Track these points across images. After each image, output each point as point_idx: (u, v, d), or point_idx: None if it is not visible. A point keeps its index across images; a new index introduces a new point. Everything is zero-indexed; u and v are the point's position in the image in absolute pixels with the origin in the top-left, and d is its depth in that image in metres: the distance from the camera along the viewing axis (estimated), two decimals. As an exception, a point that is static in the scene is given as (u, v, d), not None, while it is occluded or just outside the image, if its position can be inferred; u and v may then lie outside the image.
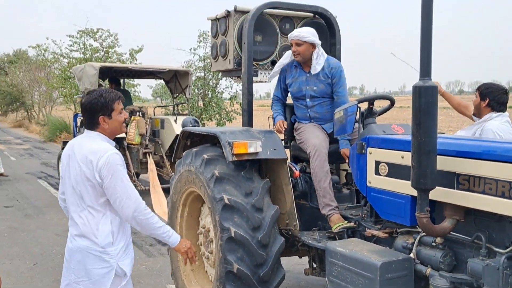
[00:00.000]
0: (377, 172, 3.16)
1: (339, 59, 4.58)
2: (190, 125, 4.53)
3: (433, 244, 2.77)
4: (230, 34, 4.33)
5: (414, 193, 2.76)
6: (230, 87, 15.43)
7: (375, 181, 3.18)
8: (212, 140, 4.03)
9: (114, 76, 9.93)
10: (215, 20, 4.56)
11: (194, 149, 3.98)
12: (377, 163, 3.15)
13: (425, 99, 2.48)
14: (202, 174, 3.73)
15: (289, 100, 4.34)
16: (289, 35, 4.00)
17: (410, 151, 2.71)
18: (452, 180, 2.62)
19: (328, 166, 3.78)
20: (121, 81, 11.14)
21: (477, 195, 2.51)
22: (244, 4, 4.32)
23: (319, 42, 3.96)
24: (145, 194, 9.04)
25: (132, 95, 13.65)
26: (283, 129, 4.08)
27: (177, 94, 9.94)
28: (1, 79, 34.99)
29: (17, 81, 32.21)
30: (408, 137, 3.06)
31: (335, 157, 3.98)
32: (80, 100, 2.77)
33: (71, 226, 2.80)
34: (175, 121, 8.66)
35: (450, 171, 2.64)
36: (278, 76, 4.24)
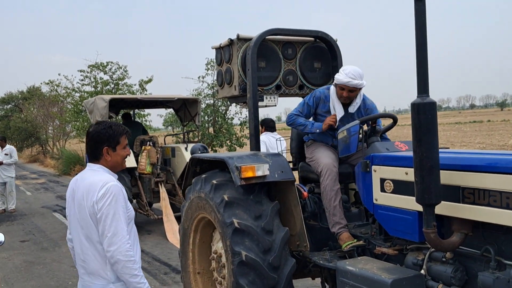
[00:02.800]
0: (382, 190, 3.19)
1: (342, 80, 4.66)
2: (199, 152, 4.60)
3: (443, 259, 2.77)
4: (234, 61, 4.44)
5: (421, 208, 2.78)
6: (239, 113, 15.59)
7: (381, 198, 3.21)
8: (220, 165, 4.10)
9: (124, 107, 10.07)
10: (219, 49, 4.68)
11: (204, 176, 4.05)
12: (382, 181, 3.18)
13: (424, 116, 2.53)
14: (212, 200, 3.79)
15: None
16: (342, 79, 3.79)
17: (411, 167, 2.74)
18: (457, 194, 2.65)
19: (339, 185, 3.82)
20: (131, 112, 11.33)
21: (482, 207, 2.53)
22: (246, 32, 4.44)
23: (365, 83, 3.91)
24: (158, 223, 9.11)
25: (143, 125, 13.86)
26: (336, 121, 3.96)
27: (187, 122, 10.04)
28: (16, 115, 35.68)
29: (31, 117, 32.82)
30: (411, 154, 3.10)
31: (344, 177, 4.02)
32: (87, 129, 2.80)
33: (79, 265, 2.75)
34: (186, 149, 8.75)
35: (455, 185, 2.66)
36: (305, 99, 4.21)
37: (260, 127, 7.95)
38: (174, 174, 9.03)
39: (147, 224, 9.50)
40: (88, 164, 2.78)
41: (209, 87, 15.69)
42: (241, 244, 3.50)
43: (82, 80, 18.21)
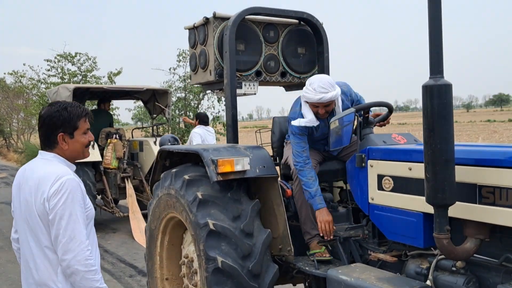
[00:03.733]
0: (380, 187, 2.79)
1: (327, 68, 4.27)
2: (169, 144, 4.13)
3: (453, 268, 2.39)
4: (210, 43, 3.98)
5: (427, 209, 2.41)
6: (212, 107, 15.09)
7: (378, 197, 2.81)
8: (193, 158, 3.64)
9: (90, 98, 9.51)
10: (192, 29, 4.20)
11: (174, 170, 3.58)
12: (380, 177, 2.79)
13: (438, 100, 2.14)
14: (183, 197, 3.32)
15: (280, 113, 3.99)
16: (313, 97, 3.15)
17: (418, 162, 2.37)
18: (473, 193, 2.27)
19: None
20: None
21: (503, 209, 2.15)
22: (223, 11, 3.98)
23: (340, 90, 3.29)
24: (123, 221, 8.58)
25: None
26: (331, 234, 3.24)
27: (156, 115, 9.57)
28: (-22, 108, 34.11)
29: (-6, 109, 31.40)
30: (415, 146, 2.71)
31: (330, 175, 3.62)
32: (39, 112, 2.30)
33: (24, 272, 2.29)
34: (155, 142, 8.27)
35: (470, 182, 2.28)
36: (293, 129, 3.39)
37: (195, 120, 7.81)
38: (142, 169, 8.56)
39: (112, 222, 8.95)
40: (40, 152, 2.27)
41: (180, 79, 15.13)
42: (216, 248, 3.05)
43: (48, 70, 17.33)
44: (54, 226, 2.08)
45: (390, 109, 3.29)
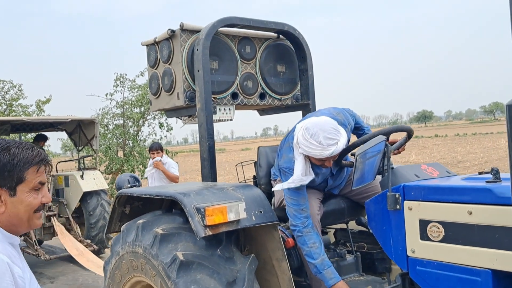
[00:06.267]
0: (424, 237, 2.18)
1: (312, 88, 3.69)
2: (128, 186, 3.32)
3: None
4: (176, 60, 3.26)
5: (498, 266, 1.84)
6: (153, 134, 14.12)
7: (422, 249, 2.20)
8: (162, 203, 2.88)
9: (11, 131, 8.47)
10: (153, 45, 3.47)
11: (140, 221, 2.79)
12: (424, 223, 2.18)
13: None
14: (156, 258, 2.54)
15: (271, 143, 3.30)
16: (321, 153, 2.48)
17: (482, 204, 1.79)
18: None
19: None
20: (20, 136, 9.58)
21: None
22: (191, 22, 3.30)
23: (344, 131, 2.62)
24: (50, 264, 7.57)
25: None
26: None
27: (82, 147, 8.72)
28: None
29: None
30: (474, 183, 2.13)
31: (334, 218, 3.00)
32: None
33: None
34: (82, 176, 7.65)
35: None
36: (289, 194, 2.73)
37: (160, 151, 6.97)
38: (68, 206, 7.79)
39: (38, 266, 7.82)
40: None
41: (118, 105, 14.07)
42: (209, 328, 2.29)
43: (-34, 99, 15.64)
44: None
45: (410, 134, 2.72)
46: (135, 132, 14.36)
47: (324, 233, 3.34)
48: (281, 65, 3.71)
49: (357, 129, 3.08)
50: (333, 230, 3.54)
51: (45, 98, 15.91)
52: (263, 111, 4.05)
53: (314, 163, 2.63)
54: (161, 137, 13.95)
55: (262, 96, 3.61)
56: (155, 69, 3.49)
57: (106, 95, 13.81)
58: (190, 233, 2.52)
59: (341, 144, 2.48)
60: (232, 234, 2.65)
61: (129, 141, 14.24)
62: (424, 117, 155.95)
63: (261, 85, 3.59)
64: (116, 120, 14.31)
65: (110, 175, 13.75)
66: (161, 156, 6.93)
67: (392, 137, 2.83)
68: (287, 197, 2.69)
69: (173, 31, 3.24)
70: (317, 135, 2.46)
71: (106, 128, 14.33)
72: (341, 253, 3.01)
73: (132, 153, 14.03)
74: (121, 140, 14.31)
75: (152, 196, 2.84)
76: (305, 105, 3.71)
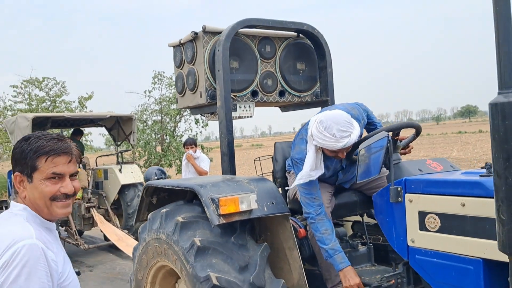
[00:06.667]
0: (423, 227, 2.30)
1: (331, 85, 3.82)
2: (155, 178, 3.57)
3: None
4: (199, 61, 3.48)
5: (489, 255, 1.94)
6: (189, 130, 14.53)
7: (421, 239, 2.32)
8: (184, 194, 3.10)
9: (52, 126, 8.95)
10: (178, 46, 3.70)
11: (164, 210, 3.03)
12: (423, 215, 2.30)
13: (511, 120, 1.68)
14: (177, 244, 2.77)
15: (281, 139, 3.47)
16: (334, 145, 2.60)
17: (474, 196, 1.90)
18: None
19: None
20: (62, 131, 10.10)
21: None
22: (213, 25, 3.49)
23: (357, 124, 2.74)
24: (89, 253, 7.96)
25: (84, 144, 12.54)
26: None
27: (120, 142, 9.11)
28: None
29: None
30: (467, 177, 2.24)
31: (346, 209, 3.13)
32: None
33: None
34: (120, 170, 8.00)
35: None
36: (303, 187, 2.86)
37: (194, 146, 7.20)
38: (107, 198, 8.15)
39: (78, 256, 8.26)
40: (12, 202, 1.67)
41: (156, 102, 14.54)
42: (222, 308, 2.50)
43: (14, 97, 16.50)
44: None
45: (418, 131, 2.82)
46: (172, 128, 14.80)
47: (339, 225, 3.48)
48: (300, 63, 3.86)
49: (369, 124, 3.20)
50: (351, 222, 3.68)
51: (87, 94, 16.57)
52: (285, 107, 4.22)
53: (327, 155, 2.78)
54: (197, 133, 14.31)
55: (281, 93, 3.77)
56: (181, 69, 3.72)
57: (144, 92, 14.29)
58: (207, 222, 2.73)
59: (354, 136, 2.60)
60: (246, 223, 2.84)
61: (167, 136, 14.69)
62: (469, 112, 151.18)
63: (280, 83, 3.76)
64: (155, 116, 14.79)
65: (149, 169, 14.24)
66: (195, 151, 7.19)
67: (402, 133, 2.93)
68: (300, 187, 2.85)
69: (196, 33, 3.45)
70: (330, 128, 2.59)
71: (145, 124, 14.82)
72: (353, 244, 3.15)
73: (170, 148, 14.47)
74: (159, 135, 14.78)
75: (174, 187, 3.07)
76: (325, 102, 3.85)
